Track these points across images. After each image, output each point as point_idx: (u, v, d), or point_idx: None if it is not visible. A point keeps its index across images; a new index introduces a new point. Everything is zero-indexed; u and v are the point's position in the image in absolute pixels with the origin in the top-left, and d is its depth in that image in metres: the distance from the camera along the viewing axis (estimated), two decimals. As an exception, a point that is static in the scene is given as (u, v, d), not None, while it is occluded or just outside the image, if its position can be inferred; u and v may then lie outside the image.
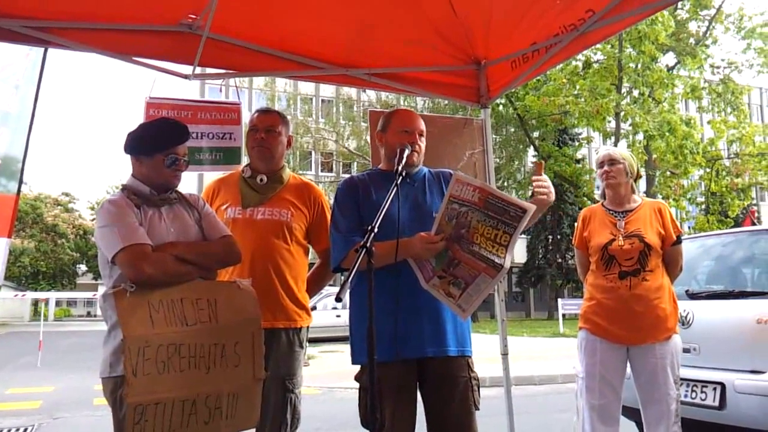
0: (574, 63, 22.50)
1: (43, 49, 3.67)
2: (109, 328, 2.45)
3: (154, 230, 2.48)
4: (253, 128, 3.21)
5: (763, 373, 3.92)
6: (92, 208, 58.61)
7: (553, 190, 2.77)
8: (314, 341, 16.90)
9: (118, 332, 2.32)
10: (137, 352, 2.26)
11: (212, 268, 2.64)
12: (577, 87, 22.61)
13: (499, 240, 2.49)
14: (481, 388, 2.81)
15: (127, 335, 2.26)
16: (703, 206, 25.75)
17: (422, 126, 2.91)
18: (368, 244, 2.22)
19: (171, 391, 2.32)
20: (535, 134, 27.69)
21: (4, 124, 3.66)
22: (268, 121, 3.21)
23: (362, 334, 2.60)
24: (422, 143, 2.89)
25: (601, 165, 3.80)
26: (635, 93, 23.10)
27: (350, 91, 36.92)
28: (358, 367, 2.78)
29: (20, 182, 3.70)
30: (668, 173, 23.74)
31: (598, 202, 3.98)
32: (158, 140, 2.58)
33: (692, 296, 4.64)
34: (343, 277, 2.76)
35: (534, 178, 2.78)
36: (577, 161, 28.12)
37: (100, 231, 2.45)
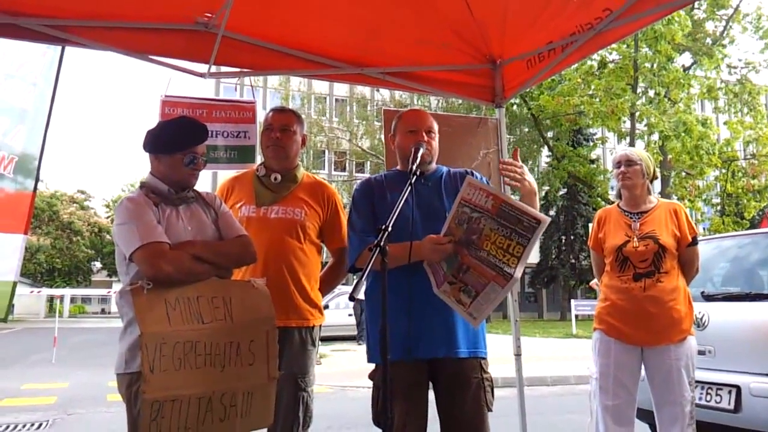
0: (589, 63, 22.42)
1: (60, 48, 3.70)
2: (125, 324, 2.47)
3: (172, 228, 2.50)
4: (268, 127, 3.22)
5: (779, 376, 3.89)
6: (108, 206, 59.09)
7: (527, 177, 2.62)
8: (326, 340, 16.96)
9: (135, 328, 2.33)
10: (154, 348, 2.27)
11: (228, 268, 2.65)
12: (592, 87, 22.53)
13: (512, 251, 2.43)
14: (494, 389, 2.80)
15: (145, 332, 2.27)
16: (719, 207, 25.58)
17: (430, 123, 2.90)
18: (382, 244, 2.22)
19: (187, 388, 2.32)
20: (550, 134, 27.61)
21: (21, 121, 3.70)
22: (284, 120, 3.22)
23: (377, 334, 2.61)
24: (433, 140, 2.89)
25: (617, 165, 3.77)
26: (651, 93, 23.02)
27: (364, 90, 36.94)
28: (370, 366, 2.79)
29: (37, 179, 3.73)
30: (683, 174, 23.64)
31: (612, 202, 3.95)
32: (178, 139, 2.59)
33: (708, 298, 4.61)
34: (356, 277, 2.77)
35: (501, 162, 2.67)
36: (592, 161, 28.01)
37: (119, 228, 2.46)
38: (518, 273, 2.43)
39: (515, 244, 2.43)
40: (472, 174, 2.93)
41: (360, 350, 15.34)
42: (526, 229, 2.41)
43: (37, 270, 49.98)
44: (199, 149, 2.61)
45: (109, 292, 29.20)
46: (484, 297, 2.49)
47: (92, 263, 57.13)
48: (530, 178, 2.66)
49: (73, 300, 58.90)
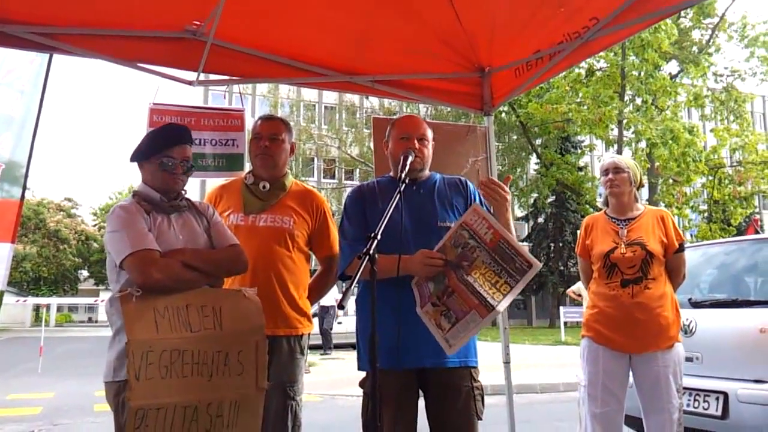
0: (577, 71, 22.53)
1: (48, 55, 3.69)
2: (114, 332, 2.46)
3: (163, 237, 2.49)
4: (257, 136, 3.21)
5: (766, 382, 3.91)
6: (95, 214, 58.76)
7: (502, 197, 2.65)
8: (315, 348, 16.89)
9: (123, 336, 2.32)
10: (141, 356, 2.26)
11: (219, 276, 2.64)
12: (580, 95, 22.67)
13: (499, 287, 2.43)
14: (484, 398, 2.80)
15: (132, 339, 2.26)
16: (706, 214, 25.75)
17: (423, 130, 2.89)
18: (371, 252, 2.21)
19: (173, 396, 2.31)
20: (538, 141, 27.73)
21: (7, 128, 3.67)
22: (272, 129, 3.22)
23: (366, 342, 2.61)
24: (425, 147, 2.87)
25: (605, 172, 3.79)
26: (638, 101, 23.15)
27: (353, 98, 36.94)
28: (359, 374, 2.79)
29: (24, 188, 3.70)
30: (671, 181, 23.78)
31: (600, 209, 3.98)
32: (152, 144, 2.60)
33: (695, 304, 4.63)
34: (345, 285, 2.75)
35: (489, 180, 2.71)
36: (580, 169, 28.16)
37: (110, 236, 2.45)
38: (501, 307, 2.41)
39: (503, 282, 2.43)
40: (466, 182, 2.94)
41: (348, 358, 15.30)
42: (516, 270, 2.42)
43: (23, 278, 49.57)
44: (175, 153, 2.58)
45: (95, 300, 28.98)
46: (462, 325, 2.46)
47: (79, 272, 56.70)
48: (509, 210, 2.68)
49: (59, 309, 58.29)
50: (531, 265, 2.42)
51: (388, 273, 2.52)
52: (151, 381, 2.27)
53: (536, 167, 31.53)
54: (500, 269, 2.45)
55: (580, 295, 16.91)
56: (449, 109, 23.58)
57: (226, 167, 4.17)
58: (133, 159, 2.62)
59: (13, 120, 3.67)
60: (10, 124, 3.67)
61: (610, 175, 3.75)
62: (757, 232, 19.99)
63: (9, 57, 3.66)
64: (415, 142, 2.83)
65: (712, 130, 24.63)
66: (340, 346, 17.69)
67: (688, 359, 3.96)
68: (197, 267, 2.49)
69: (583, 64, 21.85)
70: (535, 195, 32.27)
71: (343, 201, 2.94)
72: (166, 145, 2.58)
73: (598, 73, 23.22)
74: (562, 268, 39.52)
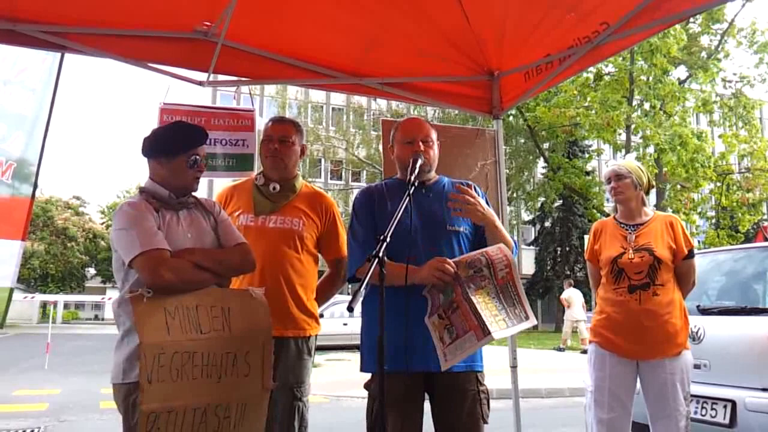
0: (585, 75, 22.45)
1: (59, 54, 3.70)
2: (122, 333, 2.44)
3: (172, 234, 2.47)
4: (268, 138, 3.22)
5: (774, 390, 3.88)
6: (103, 212, 58.96)
7: (482, 209, 2.69)
8: (321, 349, 16.87)
9: (132, 338, 2.31)
10: (153, 359, 2.24)
11: (228, 276, 2.63)
12: (588, 99, 22.58)
13: (497, 321, 2.45)
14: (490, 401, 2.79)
15: (144, 342, 2.25)
16: (714, 221, 25.64)
17: (427, 131, 2.88)
18: (380, 254, 2.21)
19: (184, 399, 2.30)
20: (545, 145, 27.66)
21: (19, 127, 3.69)
22: (283, 131, 3.23)
23: (371, 344, 2.61)
24: (431, 149, 2.86)
25: (608, 181, 3.79)
26: (646, 106, 23.06)
27: (361, 100, 37.03)
28: (364, 376, 2.78)
29: (35, 186, 3.71)
30: (679, 187, 23.68)
31: (608, 214, 3.96)
32: (180, 141, 2.56)
33: (703, 312, 4.60)
34: (352, 287, 2.75)
35: (451, 194, 2.74)
36: (587, 173, 28.06)
37: (118, 234, 2.42)
38: (497, 336, 2.42)
39: (501, 319, 2.47)
40: (474, 188, 2.89)
41: (354, 360, 15.28)
42: (515, 316, 2.50)
43: (31, 275, 49.71)
44: (200, 151, 2.60)
45: (102, 298, 29.01)
46: (460, 343, 2.47)
47: (86, 269, 56.83)
48: (487, 209, 2.71)
49: (66, 306, 58.42)
50: (528, 317, 2.51)
51: (396, 280, 2.50)
52: (162, 384, 2.25)
53: (543, 171, 31.48)
54: (501, 307, 2.49)
55: (567, 303, 17.04)
56: (457, 111, 23.56)
57: (236, 167, 4.18)
58: (151, 155, 2.57)
59: (24, 118, 3.69)
60: (21, 123, 3.68)
61: (613, 183, 3.74)
62: (766, 240, 19.88)
63: (21, 56, 3.69)
64: (420, 144, 2.82)
65: (720, 136, 24.53)
66: (345, 348, 17.71)
67: (696, 366, 3.93)
68: (207, 267, 2.47)
69: (591, 68, 21.79)
70: (542, 199, 32.24)
71: (351, 202, 2.93)
72: (194, 143, 2.58)
73: (607, 78, 23.15)
74: (568, 272, 39.41)
